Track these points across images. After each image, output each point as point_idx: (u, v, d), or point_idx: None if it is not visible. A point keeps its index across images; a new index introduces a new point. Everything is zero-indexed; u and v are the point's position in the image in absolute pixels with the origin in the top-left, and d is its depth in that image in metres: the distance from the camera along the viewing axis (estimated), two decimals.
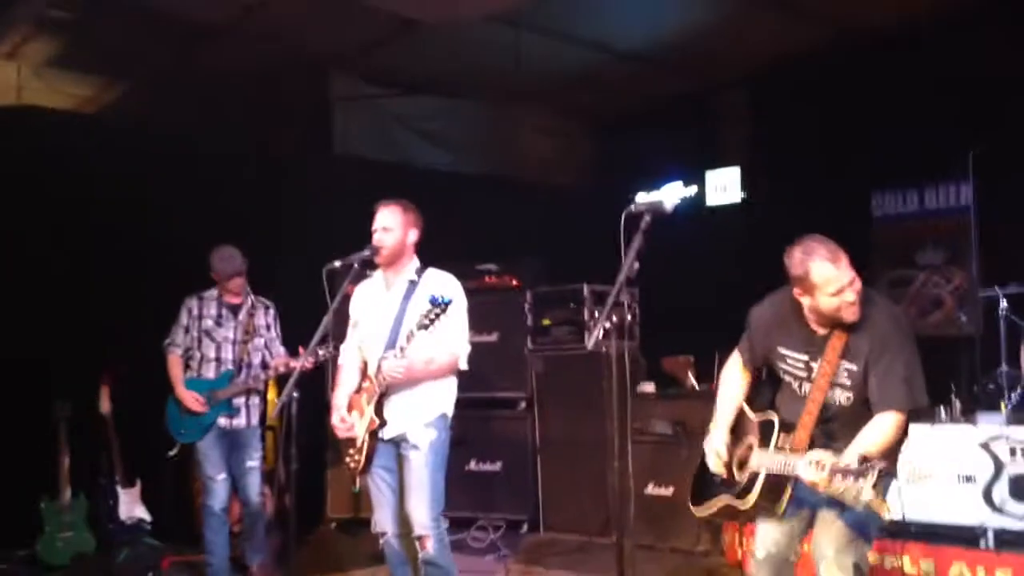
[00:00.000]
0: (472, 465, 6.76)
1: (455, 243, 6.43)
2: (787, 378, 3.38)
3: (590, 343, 3.33)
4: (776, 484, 3.19)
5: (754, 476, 3.23)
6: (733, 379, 3.56)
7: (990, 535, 4.64)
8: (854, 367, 3.16)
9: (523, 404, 6.75)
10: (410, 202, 4.23)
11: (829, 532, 3.20)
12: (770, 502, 3.22)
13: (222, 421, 5.13)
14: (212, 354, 5.19)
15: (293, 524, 4.18)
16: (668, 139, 8.09)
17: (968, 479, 4.77)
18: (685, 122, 8.29)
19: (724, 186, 8.32)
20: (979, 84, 6.60)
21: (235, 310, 5.27)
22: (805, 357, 3.29)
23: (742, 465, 3.34)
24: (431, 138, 8.33)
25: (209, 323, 5.21)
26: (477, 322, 6.48)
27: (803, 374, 3.30)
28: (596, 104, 8.64)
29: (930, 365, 6.07)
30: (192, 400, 5.09)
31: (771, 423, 3.29)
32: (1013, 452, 4.65)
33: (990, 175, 6.85)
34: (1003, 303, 5.58)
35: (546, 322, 6.72)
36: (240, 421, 5.19)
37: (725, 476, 3.39)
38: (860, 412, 3.17)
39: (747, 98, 8.40)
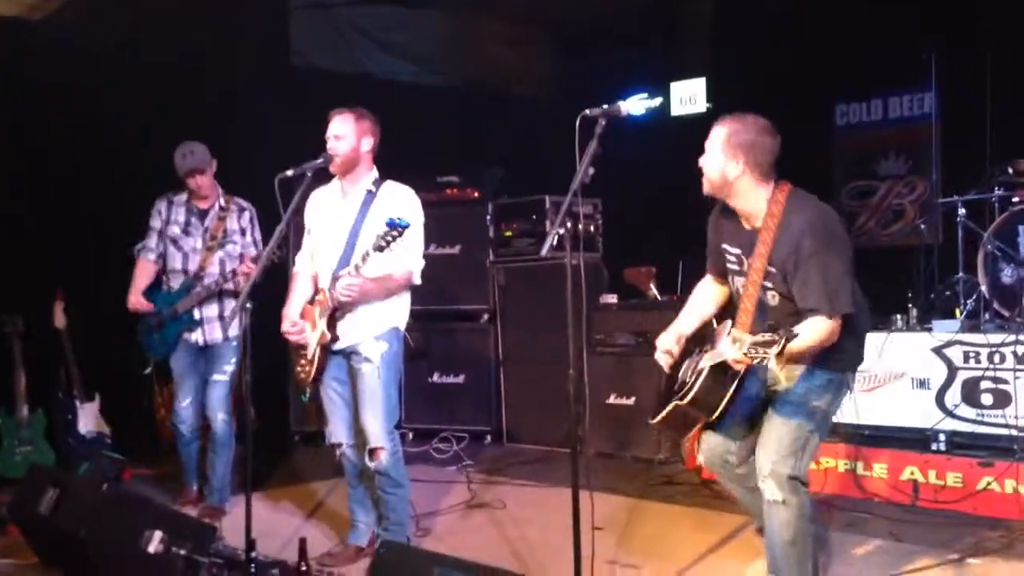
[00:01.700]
0: (435, 377, 6.78)
1: (417, 155, 6.34)
2: (730, 277, 3.40)
3: (543, 250, 3.29)
4: (717, 382, 3.16)
5: (699, 373, 3.24)
6: (701, 289, 3.59)
7: (942, 438, 4.73)
8: (774, 270, 3.18)
9: (485, 316, 6.75)
10: (367, 110, 4.14)
11: (769, 441, 3.21)
12: (708, 396, 3.16)
13: (191, 337, 4.90)
14: (179, 265, 4.91)
15: (249, 436, 4.16)
16: (634, 49, 7.98)
17: (922, 384, 4.83)
18: (651, 32, 8.17)
19: (690, 97, 8.21)
20: None
21: (204, 215, 4.93)
22: (738, 251, 3.32)
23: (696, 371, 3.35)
24: (392, 49, 8.14)
25: (176, 231, 4.91)
26: (439, 235, 6.52)
27: (737, 267, 3.33)
28: (560, 13, 8.44)
29: (889, 274, 6.20)
30: (135, 302, 4.85)
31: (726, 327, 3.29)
32: (966, 357, 4.71)
33: (952, 83, 6.83)
34: (961, 210, 5.60)
35: (508, 233, 6.68)
36: (214, 335, 4.89)
37: (678, 383, 3.40)
38: (792, 311, 3.16)
39: (712, 7, 8.26)
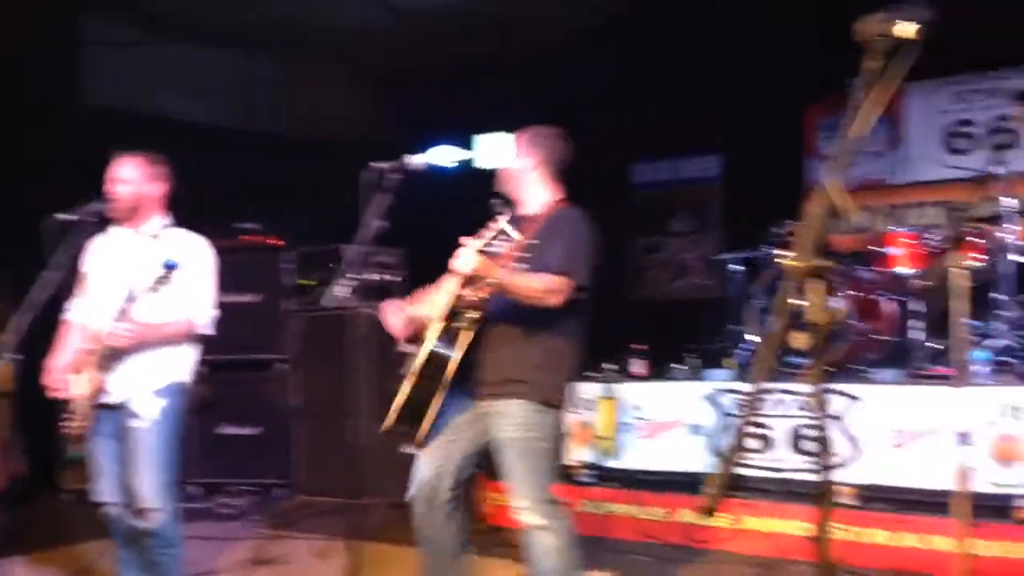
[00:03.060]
0: (224, 429, 6.56)
1: (218, 200, 6.20)
2: None
3: (329, 300, 3.31)
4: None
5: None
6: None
7: None
8: (536, 241, 3.35)
9: (281, 366, 6.62)
10: (158, 156, 4.03)
11: (512, 482, 3.33)
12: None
13: None
14: None
15: (17, 495, 3.90)
16: (447, 101, 8.12)
17: (696, 429, 5.11)
18: (463, 84, 8.35)
19: (496, 150, 8.42)
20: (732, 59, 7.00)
21: None
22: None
23: None
24: (192, 90, 7.96)
25: None
26: (235, 282, 6.33)
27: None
28: (374, 61, 8.51)
29: (674, 326, 6.51)
30: None
31: None
32: (735, 404, 5.01)
33: (735, 148, 7.34)
34: (737, 267, 6.00)
35: (305, 282, 6.60)
36: None
37: None
38: None
39: (521, 66, 8.54)
